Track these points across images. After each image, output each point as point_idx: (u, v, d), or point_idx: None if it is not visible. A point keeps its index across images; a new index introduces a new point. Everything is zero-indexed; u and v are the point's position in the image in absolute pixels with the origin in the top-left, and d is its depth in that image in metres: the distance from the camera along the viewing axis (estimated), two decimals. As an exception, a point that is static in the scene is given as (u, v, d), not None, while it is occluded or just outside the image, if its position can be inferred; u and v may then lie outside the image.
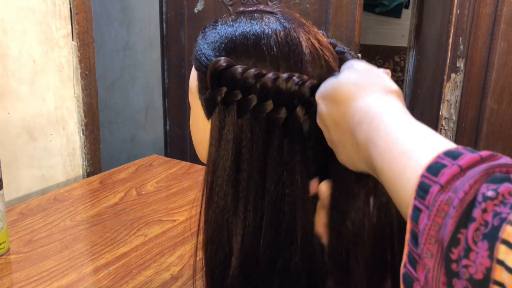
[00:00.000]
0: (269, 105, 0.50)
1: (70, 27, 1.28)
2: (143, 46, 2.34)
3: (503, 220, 0.27)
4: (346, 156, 0.46)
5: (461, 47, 1.57)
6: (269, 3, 1.71)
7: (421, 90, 2.03)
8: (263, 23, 0.54)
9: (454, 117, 1.65)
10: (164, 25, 1.99)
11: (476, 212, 0.29)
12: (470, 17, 1.55)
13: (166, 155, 2.12)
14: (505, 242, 0.27)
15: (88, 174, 1.38)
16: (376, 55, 2.62)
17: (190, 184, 1.25)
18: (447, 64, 1.59)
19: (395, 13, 2.56)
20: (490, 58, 1.55)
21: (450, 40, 1.58)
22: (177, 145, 2.10)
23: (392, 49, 2.57)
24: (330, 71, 0.53)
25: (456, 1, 1.55)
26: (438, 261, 0.31)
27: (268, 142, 0.52)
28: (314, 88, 0.49)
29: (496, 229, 0.27)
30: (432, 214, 0.31)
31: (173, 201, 1.15)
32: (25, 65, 1.20)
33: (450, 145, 0.35)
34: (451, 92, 1.62)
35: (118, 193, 1.18)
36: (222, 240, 0.54)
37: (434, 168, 0.33)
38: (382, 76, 0.46)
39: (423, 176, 0.33)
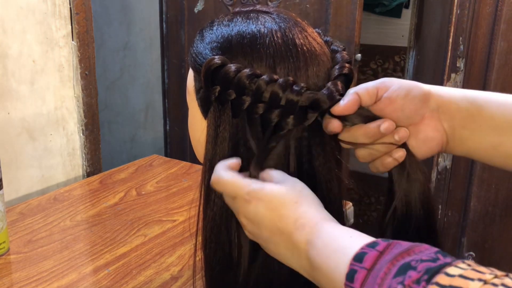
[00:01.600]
0: (262, 107, 0.51)
1: (70, 27, 1.28)
2: (143, 46, 2.34)
3: None
4: (275, 253, 0.50)
5: (461, 47, 1.57)
6: (269, 3, 1.71)
7: (421, 90, 2.03)
8: (259, 23, 0.54)
9: (454, 117, 1.65)
10: (164, 25, 1.99)
11: None
12: (470, 17, 1.54)
13: (166, 155, 2.12)
14: None
15: (88, 174, 1.38)
16: (376, 55, 2.62)
17: (190, 184, 1.25)
18: (447, 64, 1.58)
19: (395, 13, 2.56)
20: (490, 58, 1.55)
21: (450, 40, 1.58)
22: (177, 145, 2.10)
23: (392, 49, 2.57)
24: (324, 71, 0.54)
25: (456, 1, 1.55)
26: None
27: (263, 141, 0.52)
28: (310, 100, 0.51)
29: None
30: None
31: (173, 201, 1.15)
32: (25, 65, 1.20)
33: (366, 240, 0.42)
34: (451, 92, 1.62)
35: (118, 193, 1.18)
36: (221, 238, 0.54)
37: (350, 275, 0.40)
38: (308, 190, 0.51)
39: (345, 284, 0.40)
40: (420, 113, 0.53)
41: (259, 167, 0.51)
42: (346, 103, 0.51)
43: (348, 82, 0.54)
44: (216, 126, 0.53)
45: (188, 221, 1.04)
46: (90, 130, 1.36)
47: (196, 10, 1.89)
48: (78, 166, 1.37)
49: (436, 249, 0.38)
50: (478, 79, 1.58)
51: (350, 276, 0.40)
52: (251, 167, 0.51)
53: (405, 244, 0.39)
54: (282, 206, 0.48)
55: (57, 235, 0.98)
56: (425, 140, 0.54)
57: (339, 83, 0.53)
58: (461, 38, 1.57)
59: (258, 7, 0.58)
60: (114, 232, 1.00)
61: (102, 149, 1.42)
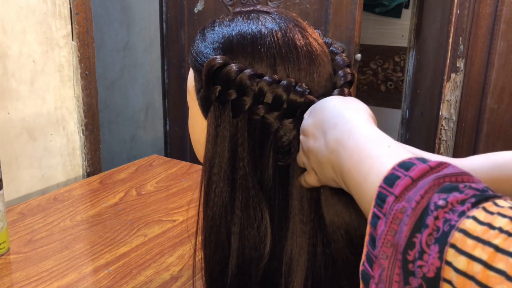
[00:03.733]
0: (263, 108, 0.51)
1: (70, 27, 1.28)
2: (143, 46, 2.34)
3: (452, 227, 0.31)
4: (317, 164, 0.48)
5: (461, 47, 1.57)
6: (269, 3, 1.71)
7: (421, 90, 2.03)
8: (260, 23, 0.54)
9: (454, 117, 1.65)
10: (164, 25, 1.99)
11: (429, 219, 0.33)
12: (470, 17, 1.55)
13: (166, 155, 2.12)
14: (453, 246, 0.31)
15: (88, 174, 1.38)
16: (376, 55, 2.62)
17: (190, 184, 1.25)
18: (447, 64, 1.59)
19: (395, 13, 2.56)
20: (490, 58, 1.55)
21: (450, 40, 1.58)
22: (177, 145, 2.10)
23: (392, 49, 2.57)
24: (325, 72, 0.54)
25: (456, 1, 1.55)
26: (392, 262, 0.35)
27: (263, 142, 0.52)
28: (310, 104, 0.51)
29: (446, 235, 0.32)
30: (388, 221, 0.36)
31: (173, 201, 1.15)
32: (25, 65, 1.20)
33: (408, 154, 0.39)
34: (451, 92, 1.62)
35: (118, 193, 1.18)
36: (221, 238, 0.54)
37: (390, 179, 0.37)
38: (363, 104, 0.49)
39: (380, 186, 0.37)
40: None
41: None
42: None
43: (350, 87, 0.55)
44: (216, 126, 0.53)
45: (189, 220, 1.04)
46: (90, 130, 1.36)
47: (196, 10, 1.89)
48: (78, 166, 1.37)
49: (485, 185, 0.35)
50: (478, 79, 1.59)
51: (390, 180, 0.37)
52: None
53: (458, 169, 0.36)
54: (323, 111, 0.48)
55: (57, 235, 0.98)
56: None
57: (345, 90, 0.54)
58: (461, 38, 1.57)
59: (258, 7, 0.59)
60: (114, 232, 1.00)
61: (102, 149, 1.42)
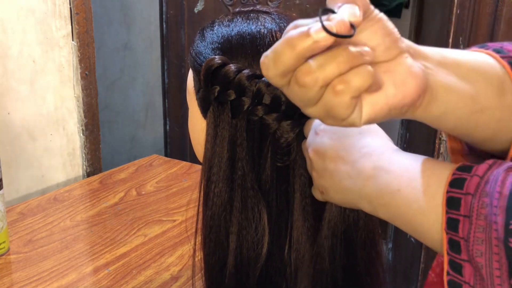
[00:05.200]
0: (262, 109, 0.51)
1: (70, 27, 1.28)
2: (143, 46, 2.34)
3: None
4: (336, 187, 0.47)
5: (461, 47, 1.57)
6: (269, 3, 1.71)
7: (421, 90, 2.03)
8: (259, 23, 0.54)
9: (454, 117, 1.65)
10: (164, 25, 1.99)
11: None
12: (470, 17, 1.54)
13: (166, 155, 2.11)
14: None
15: (88, 174, 1.38)
16: (376, 55, 2.62)
17: (190, 184, 1.25)
18: (447, 64, 1.59)
19: (395, 13, 2.56)
20: (490, 58, 1.54)
21: (450, 40, 1.58)
22: (177, 145, 2.10)
23: (392, 49, 2.56)
24: None
25: (456, 1, 1.54)
26: (488, 258, 0.34)
27: (262, 143, 0.52)
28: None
29: None
30: (473, 219, 0.35)
31: (173, 201, 1.15)
32: (25, 65, 1.20)
33: (453, 164, 0.39)
34: (451, 92, 1.62)
35: (118, 193, 1.18)
36: (220, 238, 0.54)
37: (456, 184, 0.37)
38: (381, 130, 0.49)
39: (448, 192, 0.37)
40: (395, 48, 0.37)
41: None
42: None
43: None
44: (215, 126, 0.53)
45: (189, 220, 1.04)
46: (90, 130, 1.36)
47: (196, 10, 1.89)
48: (78, 166, 1.37)
49: None
50: (478, 79, 1.58)
51: (457, 184, 0.37)
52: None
53: (511, 163, 0.37)
54: (346, 136, 0.47)
55: (57, 235, 0.98)
56: (404, 80, 0.36)
57: None
58: (461, 38, 1.57)
59: (258, 7, 0.59)
60: (114, 232, 1.00)
61: (102, 149, 1.42)
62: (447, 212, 0.37)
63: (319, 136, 0.48)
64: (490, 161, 0.37)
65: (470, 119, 0.40)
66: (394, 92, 0.36)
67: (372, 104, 0.36)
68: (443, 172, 0.39)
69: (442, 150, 1.68)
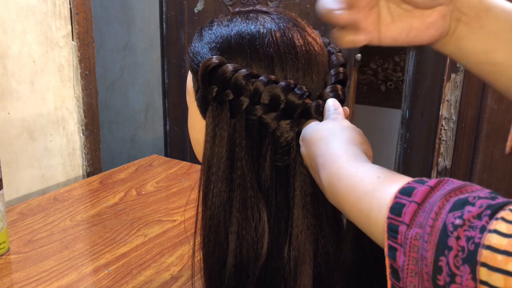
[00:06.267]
0: (260, 109, 0.51)
1: (70, 27, 1.28)
2: (143, 46, 2.34)
3: (477, 245, 0.31)
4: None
5: None
6: (269, 3, 1.71)
7: (421, 90, 2.03)
8: (258, 23, 0.54)
9: (454, 117, 1.65)
10: (164, 25, 1.99)
11: (451, 241, 0.32)
12: None
13: (166, 155, 2.12)
14: (484, 265, 0.30)
15: (88, 174, 1.38)
16: (376, 55, 2.62)
17: (190, 184, 1.25)
18: (447, 64, 1.58)
19: (395, 13, 2.56)
20: (490, 58, 1.54)
21: None
22: (177, 145, 2.10)
23: (392, 49, 2.57)
24: (322, 72, 0.54)
25: None
26: None
27: (261, 142, 0.52)
28: (308, 108, 0.51)
29: (473, 253, 0.31)
30: (407, 251, 0.35)
31: (173, 201, 1.15)
32: (25, 65, 1.20)
33: (404, 178, 0.39)
34: (451, 92, 1.62)
35: (118, 193, 1.18)
36: (219, 238, 0.54)
37: (395, 209, 0.37)
38: (354, 130, 0.49)
39: (388, 218, 0.37)
40: None
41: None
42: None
43: (342, 86, 0.54)
44: (214, 126, 0.53)
45: (189, 220, 1.04)
46: (90, 130, 1.36)
47: (196, 10, 1.89)
48: (78, 166, 1.37)
49: (489, 190, 0.35)
50: (478, 79, 1.58)
51: (396, 209, 0.36)
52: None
53: (457, 182, 0.36)
54: (312, 144, 0.48)
55: (57, 235, 0.98)
56: (429, 25, 0.49)
57: (339, 88, 0.53)
58: None
59: (258, 7, 0.58)
60: (114, 232, 1.00)
61: (102, 149, 1.42)
62: (388, 238, 0.37)
63: (301, 146, 0.50)
64: (433, 182, 0.36)
65: (479, 67, 0.50)
66: (419, 27, 0.49)
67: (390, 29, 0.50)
68: (389, 193, 0.38)
69: (442, 150, 1.68)
